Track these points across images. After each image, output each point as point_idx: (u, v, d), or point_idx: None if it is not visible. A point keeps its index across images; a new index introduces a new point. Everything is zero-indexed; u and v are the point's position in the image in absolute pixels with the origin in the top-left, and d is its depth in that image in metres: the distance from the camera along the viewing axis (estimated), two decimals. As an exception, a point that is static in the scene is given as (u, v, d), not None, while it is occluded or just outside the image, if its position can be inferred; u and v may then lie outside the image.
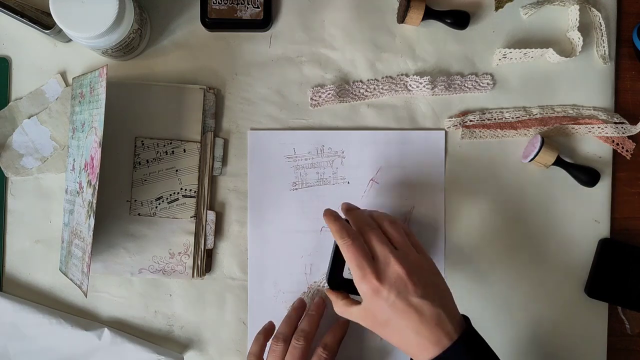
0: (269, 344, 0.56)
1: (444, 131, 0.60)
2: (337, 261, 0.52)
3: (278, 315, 0.58)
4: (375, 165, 0.60)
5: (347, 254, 0.47)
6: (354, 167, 0.60)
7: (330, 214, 0.51)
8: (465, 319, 0.48)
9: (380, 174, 0.60)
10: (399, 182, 0.60)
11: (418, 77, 0.59)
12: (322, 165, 0.60)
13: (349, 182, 0.60)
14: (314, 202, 0.60)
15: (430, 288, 0.46)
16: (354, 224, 0.50)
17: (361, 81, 0.60)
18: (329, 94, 0.59)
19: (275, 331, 0.56)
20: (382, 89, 0.60)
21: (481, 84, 0.60)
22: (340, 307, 0.51)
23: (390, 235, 0.49)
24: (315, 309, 0.58)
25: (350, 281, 0.50)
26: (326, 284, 0.53)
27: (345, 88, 0.60)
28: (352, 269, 0.47)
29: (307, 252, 0.60)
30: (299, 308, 0.58)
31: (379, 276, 0.46)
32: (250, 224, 0.59)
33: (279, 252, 0.59)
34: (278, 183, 0.59)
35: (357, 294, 0.48)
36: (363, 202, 0.59)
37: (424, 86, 0.59)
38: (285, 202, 0.59)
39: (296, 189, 0.60)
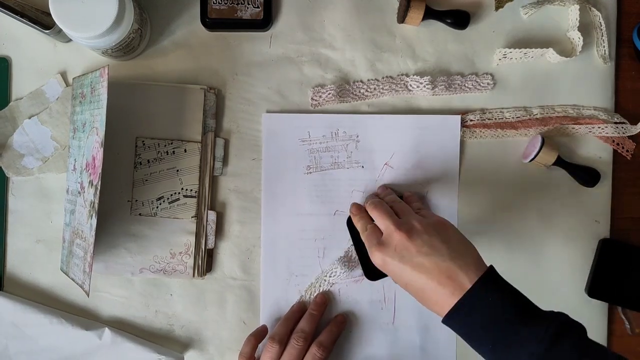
0: (260, 346, 0.56)
1: (459, 116, 0.60)
2: (363, 255, 0.56)
3: (290, 298, 0.59)
4: (390, 150, 0.60)
5: (364, 242, 0.51)
6: (369, 151, 0.60)
7: (357, 213, 0.55)
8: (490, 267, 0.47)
9: (395, 158, 0.60)
10: (413, 166, 0.60)
11: (418, 77, 0.59)
12: (337, 149, 0.59)
13: (363, 166, 0.60)
14: (328, 185, 0.60)
15: (436, 244, 0.46)
16: (366, 207, 0.54)
17: (361, 81, 0.60)
18: (329, 93, 0.59)
19: (272, 331, 0.56)
20: (382, 88, 0.60)
21: (481, 84, 0.60)
22: None
23: (395, 208, 0.52)
24: (315, 308, 0.58)
25: None
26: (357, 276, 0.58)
27: (345, 88, 0.60)
28: (368, 251, 0.50)
29: (321, 236, 0.60)
30: (298, 311, 0.58)
31: (382, 247, 0.48)
32: (264, 206, 0.59)
33: (292, 235, 0.59)
34: (292, 166, 0.59)
35: None
36: (377, 186, 0.60)
37: (425, 86, 0.59)
38: (299, 185, 0.59)
39: (310, 172, 0.60)
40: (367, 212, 0.54)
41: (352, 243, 0.58)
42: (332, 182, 0.60)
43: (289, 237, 0.60)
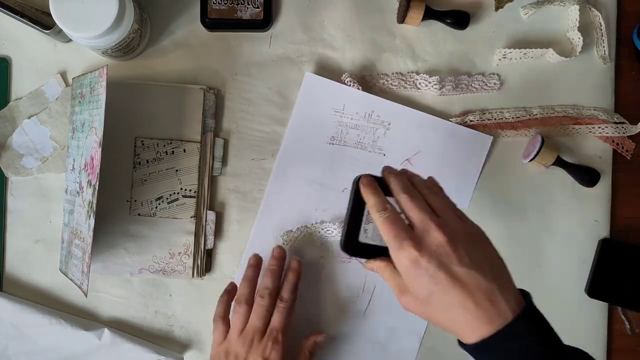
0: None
1: (492, 137, 0.60)
2: (352, 225, 0.47)
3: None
4: (416, 147, 0.60)
5: (382, 227, 0.42)
6: (395, 141, 0.60)
7: (369, 184, 0.45)
8: (525, 294, 0.42)
9: (418, 157, 0.60)
10: (433, 170, 0.59)
11: (427, 75, 0.59)
12: (365, 129, 0.59)
13: (384, 154, 0.60)
14: (345, 162, 0.60)
15: (478, 258, 0.41)
16: (392, 188, 0.45)
17: (371, 75, 0.60)
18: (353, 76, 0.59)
19: (237, 294, 0.55)
20: (391, 84, 0.60)
21: (488, 84, 0.60)
22: (388, 275, 0.44)
23: (430, 203, 0.43)
24: (275, 262, 0.56)
25: (367, 246, 0.47)
26: (340, 249, 0.48)
27: (363, 78, 0.60)
28: (389, 242, 0.42)
29: (323, 207, 0.59)
30: (256, 266, 0.57)
31: (417, 245, 0.40)
32: (278, 163, 0.59)
33: (297, 198, 0.59)
34: (317, 132, 0.59)
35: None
36: None
37: (433, 85, 0.59)
38: (318, 152, 0.59)
39: (333, 143, 0.59)
40: (378, 186, 0.45)
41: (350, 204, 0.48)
42: (350, 160, 0.59)
43: (293, 199, 0.59)
